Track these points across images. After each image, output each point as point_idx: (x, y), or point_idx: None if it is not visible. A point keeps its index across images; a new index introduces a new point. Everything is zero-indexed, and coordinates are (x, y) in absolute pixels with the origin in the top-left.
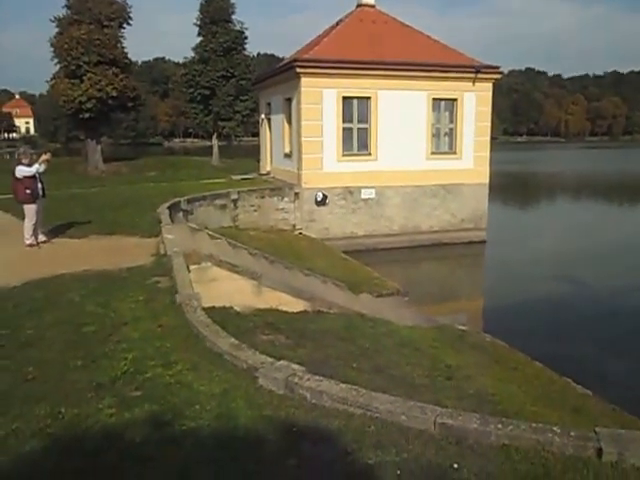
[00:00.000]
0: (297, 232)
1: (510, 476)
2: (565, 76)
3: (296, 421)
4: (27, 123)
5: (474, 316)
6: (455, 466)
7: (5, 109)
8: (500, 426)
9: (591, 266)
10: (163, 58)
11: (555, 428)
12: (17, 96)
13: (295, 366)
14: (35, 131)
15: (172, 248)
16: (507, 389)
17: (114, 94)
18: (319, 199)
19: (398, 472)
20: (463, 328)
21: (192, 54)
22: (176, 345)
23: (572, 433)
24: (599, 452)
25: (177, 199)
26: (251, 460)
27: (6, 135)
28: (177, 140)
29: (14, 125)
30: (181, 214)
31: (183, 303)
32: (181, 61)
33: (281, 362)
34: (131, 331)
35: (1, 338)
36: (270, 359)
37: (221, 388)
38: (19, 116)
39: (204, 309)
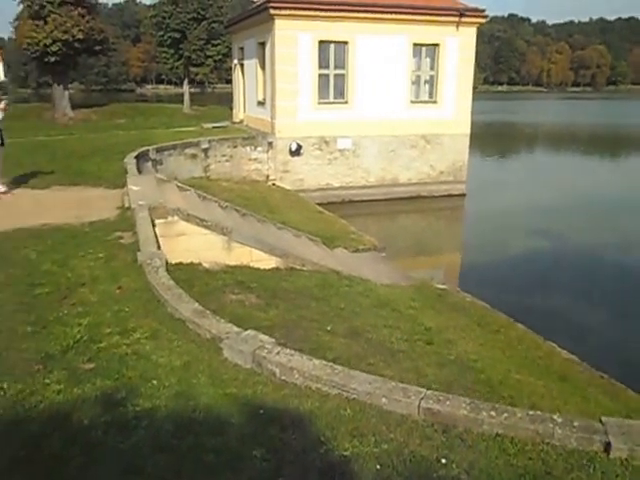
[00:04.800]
0: (270, 183)
1: (505, 473)
2: (550, 22)
3: (263, 402)
4: None
5: (453, 272)
6: (443, 461)
7: None
8: (493, 413)
9: (570, 219)
10: (134, 0)
11: (556, 417)
12: None
13: (263, 337)
14: (5, 76)
15: (137, 201)
16: (490, 354)
17: (80, 36)
18: (293, 149)
19: (378, 467)
20: (443, 287)
21: None
22: (135, 310)
23: (576, 423)
24: (607, 447)
25: (145, 148)
26: (211, 450)
27: None
28: (149, 87)
29: None
30: (150, 164)
31: (144, 263)
32: (151, 2)
33: (248, 332)
34: (88, 293)
35: None
36: (236, 329)
37: (182, 361)
38: None
39: (171, 266)
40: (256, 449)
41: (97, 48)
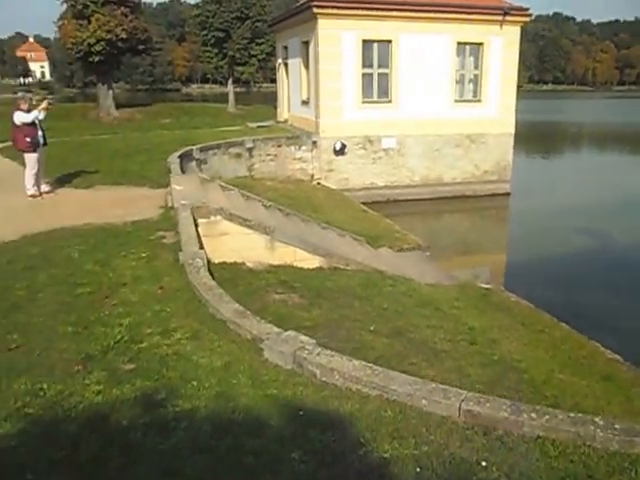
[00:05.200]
0: (315, 182)
1: (546, 476)
2: (595, 22)
3: (303, 403)
4: (42, 67)
5: (497, 272)
6: (483, 463)
7: (19, 53)
8: (534, 415)
9: (617, 219)
10: None
11: (597, 419)
12: (31, 39)
13: (304, 338)
14: (50, 76)
15: (179, 200)
16: (533, 354)
17: (123, 36)
18: (338, 148)
19: (417, 469)
20: (487, 286)
21: None
22: (177, 310)
23: (617, 426)
24: None
25: (189, 147)
26: (250, 452)
27: (22, 80)
28: (195, 86)
29: (29, 70)
30: (194, 163)
31: (186, 263)
32: (195, 2)
33: (288, 333)
34: (129, 293)
35: None
36: (277, 329)
37: (223, 361)
38: (34, 60)
39: (214, 266)
40: (295, 451)
41: (140, 47)
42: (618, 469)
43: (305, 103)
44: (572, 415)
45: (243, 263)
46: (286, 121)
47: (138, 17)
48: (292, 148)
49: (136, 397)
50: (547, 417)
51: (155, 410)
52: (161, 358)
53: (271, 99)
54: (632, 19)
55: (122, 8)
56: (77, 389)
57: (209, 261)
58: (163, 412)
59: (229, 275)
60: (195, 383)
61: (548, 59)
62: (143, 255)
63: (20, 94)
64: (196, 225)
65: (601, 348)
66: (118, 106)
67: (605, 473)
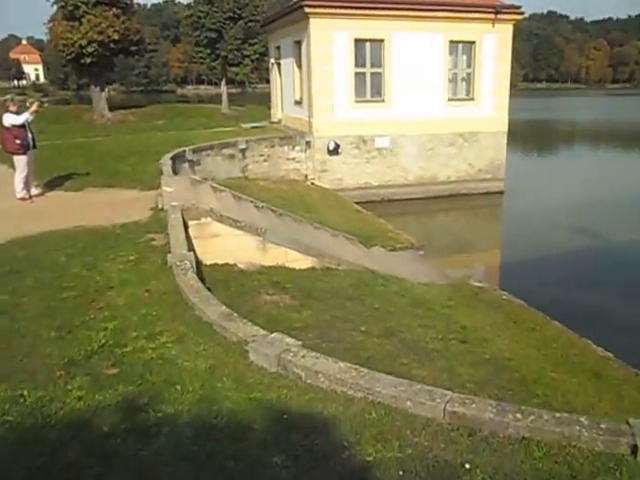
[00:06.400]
0: (309, 182)
1: (531, 478)
2: (588, 20)
3: (288, 406)
4: (36, 70)
5: (491, 271)
6: (467, 466)
7: (13, 55)
8: (519, 416)
9: (609, 217)
10: (173, 0)
11: (583, 419)
12: (24, 41)
13: (289, 340)
14: (45, 78)
15: (169, 202)
16: (525, 352)
17: (116, 37)
18: (331, 148)
19: (400, 472)
20: (480, 285)
21: None
22: (163, 313)
23: (602, 426)
24: (634, 449)
25: (182, 149)
26: (232, 457)
27: (16, 82)
28: (190, 87)
29: (23, 72)
30: (187, 165)
31: (174, 265)
32: (188, 2)
33: (274, 335)
34: (116, 297)
35: None
36: (263, 331)
37: (207, 365)
38: (28, 62)
39: (205, 267)
40: (277, 455)
41: (133, 49)
42: (603, 469)
43: (298, 103)
44: (557, 415)
45: (235, 264)
46: (280, 121)
47: (130, 18)
48: (285, 148)
49: (118, 402)
50: (532, 418)
51: (137, 415)
52: (145, 362)
53: (266, 100)
54: (625, 17)
55: (114, 9)
56: (58, 395)
57: (200, 263)
58: (145, 417)
59: (221, 277)
60: (179, 387)
61: (542, 57)
62: (131, 258)
63: (9, 96)
64: (186, 227)
65: (592, 346)
66: (112, 108)
67: (589, 474)
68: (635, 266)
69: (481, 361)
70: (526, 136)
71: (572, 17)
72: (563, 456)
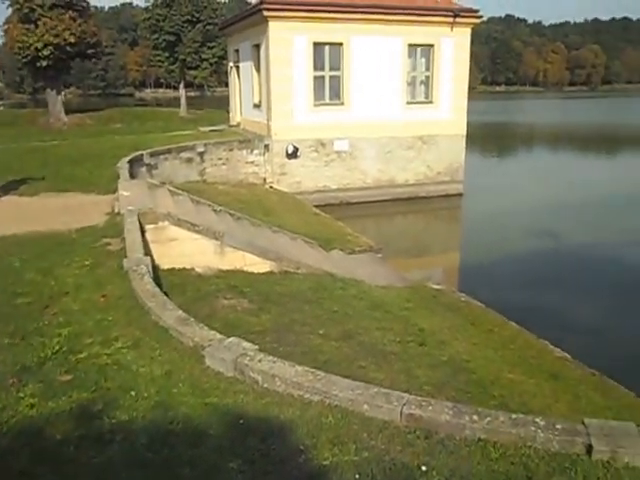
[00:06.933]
0: (268, 186)
1: (487, 479)
2: (546, 23)
3: (244, 411)
4: None
5: (450, 273)
6: (423, 468)
7: None
8: (476, 417)
9: (567, 218)
10: (131, 3)
11: (538, 420)
12: None
13: (247, 344)
14: (0, 81)
15: (126, 206)
16: (482, 354)
17: (72, 40)
18: (290, 151)
19: (357, 476)
20: (438, 287)
21: None
22: (119, 318)
23: (558, 426)
24: (589, 449)
25: (139, 152)
26: (187, 463)
27: None
28: (148, 90)
29: None
30: (144, 169)
31: (130, 269)
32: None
33: (231, 339)
34: (71, 302)
35: None
36: (219, 336)
37: (163, 370)
38: None
39: (163, 272)
40: (233, 461)
41: (90, 52)
42: (558, 469)
43: (257, 106)
44: (513, 416)
45: (192, 269)
46: (238, 125)
47: (87, 21)
48: (244, 152)
49: (71, 409)
50: (489, 419)
51: (90, 422)
52: (100, 368)
53: (224, 103)
54: (582, 20)
55: (70, 12)
56: (10, 403)
57: (157, 267)
58: (99, 424)
59: (178, 281)
60: (134, 393)
61: (500, 61)
62: (87, 263)
63: None
64: (143, 231)
65: (550, 346)
66: (69, 111)
67: (545, 474)
68: (590, 266)
69: (439, 363)
70: (485, 139)
71: (530, 21)
72: (519, 457)
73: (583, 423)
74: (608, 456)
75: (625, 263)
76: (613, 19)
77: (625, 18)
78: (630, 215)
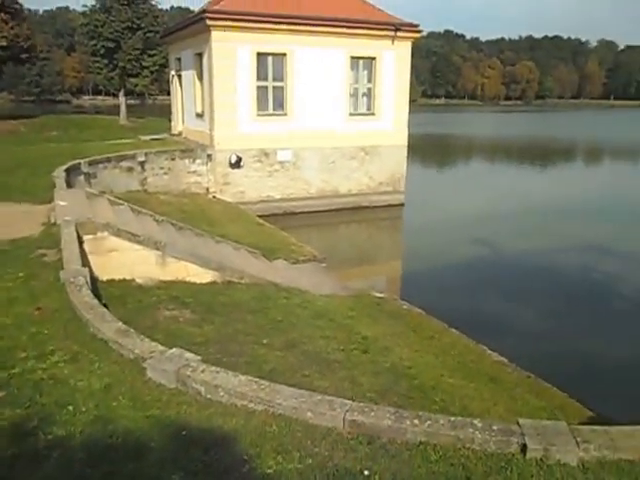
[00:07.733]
0: (211, 196)
1: None
2: (483, 39)
3: (187, 422)
4: None
5: (392, 281)
6: (366, 472)
7: None
8: (417, 422)
9: (504, 227)
10: (67, 7)
11: (476, 422)
12: None
13: (189, 355)
14: None
15: (63, 216)
16: (424, 360)
17: (4, 43)
18: (233, 161)
19: None
20: (380, 295)
21: (93, 2)
22: (55, 332)
23: (494, 427)
24: (523, 448)
25: (77, 161)
26: (128, 477)
27: None
28: (86, 97)
29: None
30: (82, 178)
31: (67, 281)
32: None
33: (173, 350)
34: (3, 316)
35: None
36: (161, 347)
37: (103, 383)
38: None
39: (102, 283)
40: (175, 473)
41: (24, 56)
42: (495, 469)
43: (200, 116)
44: (452, 419)
45: (133, 280)
46: (180, 134)
47: (20, 24)
48: (186, 161)
49: (4, 427)
50: (429, 423)
51: (25, 440)
52: (35, 383)
53: (166, 112)
54: (516, 38)
55: (2, 14)
56: None
57: (96, 279)
58: (34, 441)
59: (118, 292)
60: (71, 408)
61: (440, 74)
62: (21, 275)
63: None
64: (81, 242)
65: (488, 351)
66: (0, 117)
67: (483, 474)
68: (526, 272)
69: (382, 370)
70: (426, 150)
71: (468, 36)
72: (458, 458)
73: (518, 424)
74: (541, 454)
75: (559, 269)
76: (546, 37)
77: (556, 36)
78: (563, 222)
